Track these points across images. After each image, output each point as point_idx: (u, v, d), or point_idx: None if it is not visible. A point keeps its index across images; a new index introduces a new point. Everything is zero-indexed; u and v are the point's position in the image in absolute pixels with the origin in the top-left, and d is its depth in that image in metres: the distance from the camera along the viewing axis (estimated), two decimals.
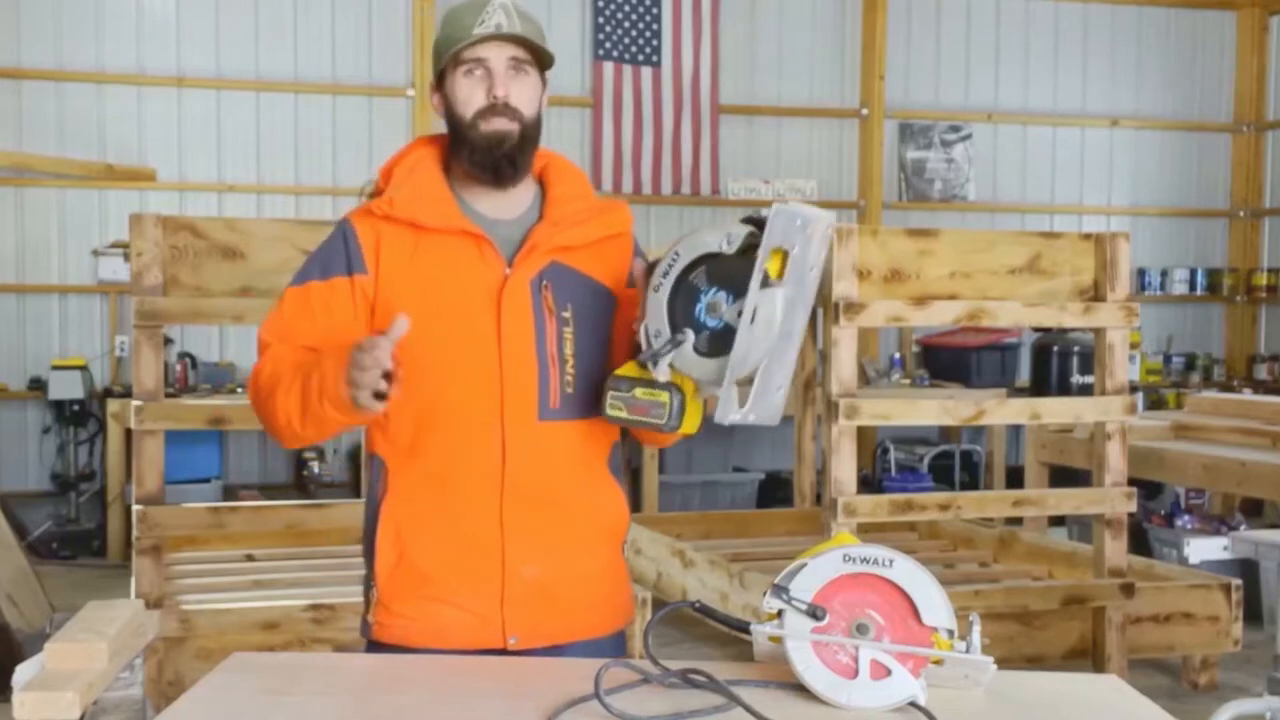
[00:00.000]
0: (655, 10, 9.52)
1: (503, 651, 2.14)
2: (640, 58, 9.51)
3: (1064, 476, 6.78)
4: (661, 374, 2.01)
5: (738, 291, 1.93)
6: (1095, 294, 4.94)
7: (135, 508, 4.30)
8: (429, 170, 2.23)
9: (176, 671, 4.24)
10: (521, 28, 2.15)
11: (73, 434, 8.39)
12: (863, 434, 8.33)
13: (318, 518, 5.06)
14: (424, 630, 2.16)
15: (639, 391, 2.03)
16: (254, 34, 8.90)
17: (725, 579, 5.56)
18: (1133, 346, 6.87)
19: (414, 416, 2.17)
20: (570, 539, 2.19)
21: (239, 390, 8.03)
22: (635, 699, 1.78)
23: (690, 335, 1.98)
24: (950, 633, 1.80)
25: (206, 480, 8.16)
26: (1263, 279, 10.84)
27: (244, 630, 4.32)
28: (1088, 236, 5.03)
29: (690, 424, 2.03)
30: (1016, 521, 6.96)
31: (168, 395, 5.13)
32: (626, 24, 9.47)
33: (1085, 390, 7.39)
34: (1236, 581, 5.36)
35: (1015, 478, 8.38)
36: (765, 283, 1.90)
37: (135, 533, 4.30)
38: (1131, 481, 5.04)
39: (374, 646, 2.22)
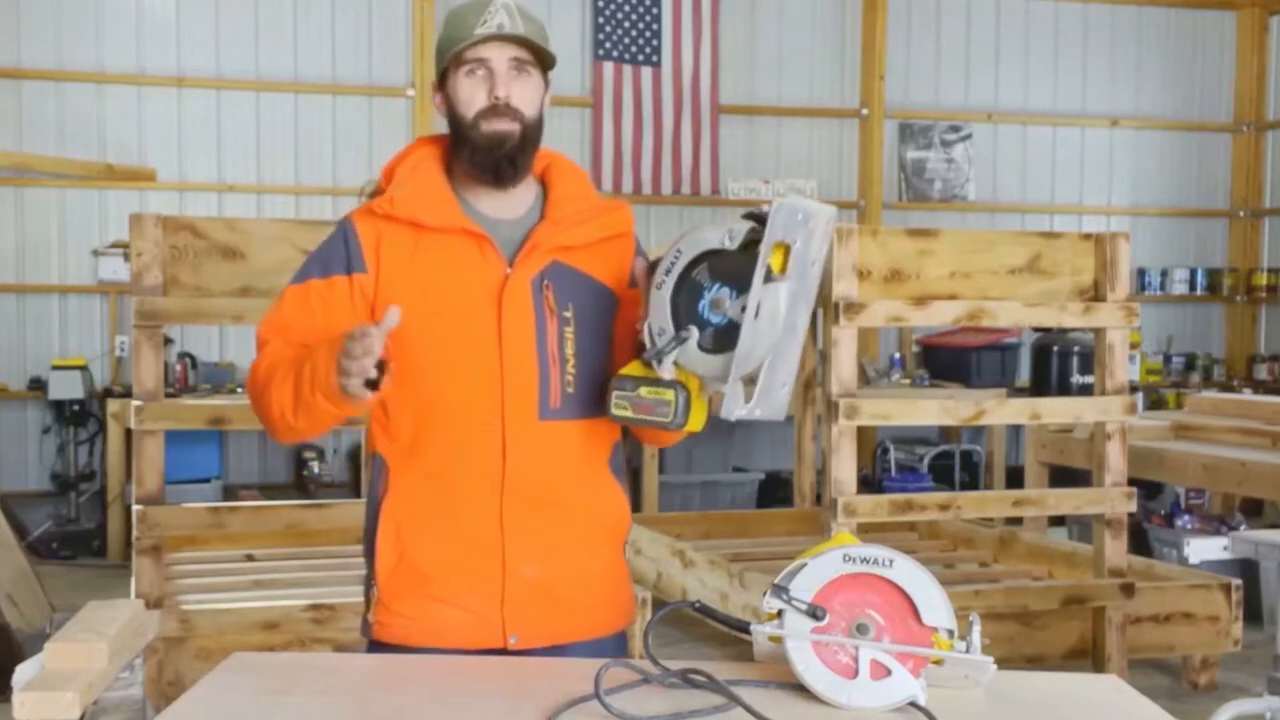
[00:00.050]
0: (655, 10, 9.52)
1: (503, 651, 2.14)
2: (640, 58, 9.51)
3: (1064, 476, 6.78)
4: (666, 372, 2.00)
5: (741, 287, 1.93)
6: (1095, 294, 4.94)
7: (135, 508, 4.30)
8: (431, 170, 2.23)
9: (176, 671, 4.24)
10: (524, 28, 2.15)
11: (73, 434, 8.39)
12: (863, 434, 8.33)
13: (318, 518, 5.06)
14: (424, 630, 2.16)
15: (644, 390, 2.02)
16: (254, 34, 8.90)
17: (725, 579, 5.56)
18: (1133, 346, 6.87)
19: (414, 416, 2.17)
20: (571, 539, 2.19)
21: (239, 390, 8.02)
22: (635, 699, 1.78)
23: (694, 332, 1.98)
24: (950, 633, 1.80)
25: (206, 480, 8.16)
26: (1263, 279, 10.84)
27: (244, 630, 4.32)
28: (1088, 236, 5.03)
29: (695, 421, 2.03)
30: (1016, 521, 6.96)
31: (168, 395, 5.13)
32: (626, 24, 9.47)
33: (1085, 390, 7.38)
34: (1236, 581, 5.36)
35: (1015, 478, 8.38)
36: (768, 277, 1.90)
37: (135, 533, 4.30)
38: (1131, 481, 5.04)
39: (374, 646, 2.22)
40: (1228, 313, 11.00)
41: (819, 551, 1.85)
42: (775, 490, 9.03)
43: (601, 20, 9.43)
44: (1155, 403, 10.07)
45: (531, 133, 2.18)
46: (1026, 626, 5.02)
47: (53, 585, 6.21)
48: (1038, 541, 6.26)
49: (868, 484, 8.94)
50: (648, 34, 9.51)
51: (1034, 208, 10.50)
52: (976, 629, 1.81)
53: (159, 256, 4.24)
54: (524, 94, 2.17)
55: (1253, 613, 5.65)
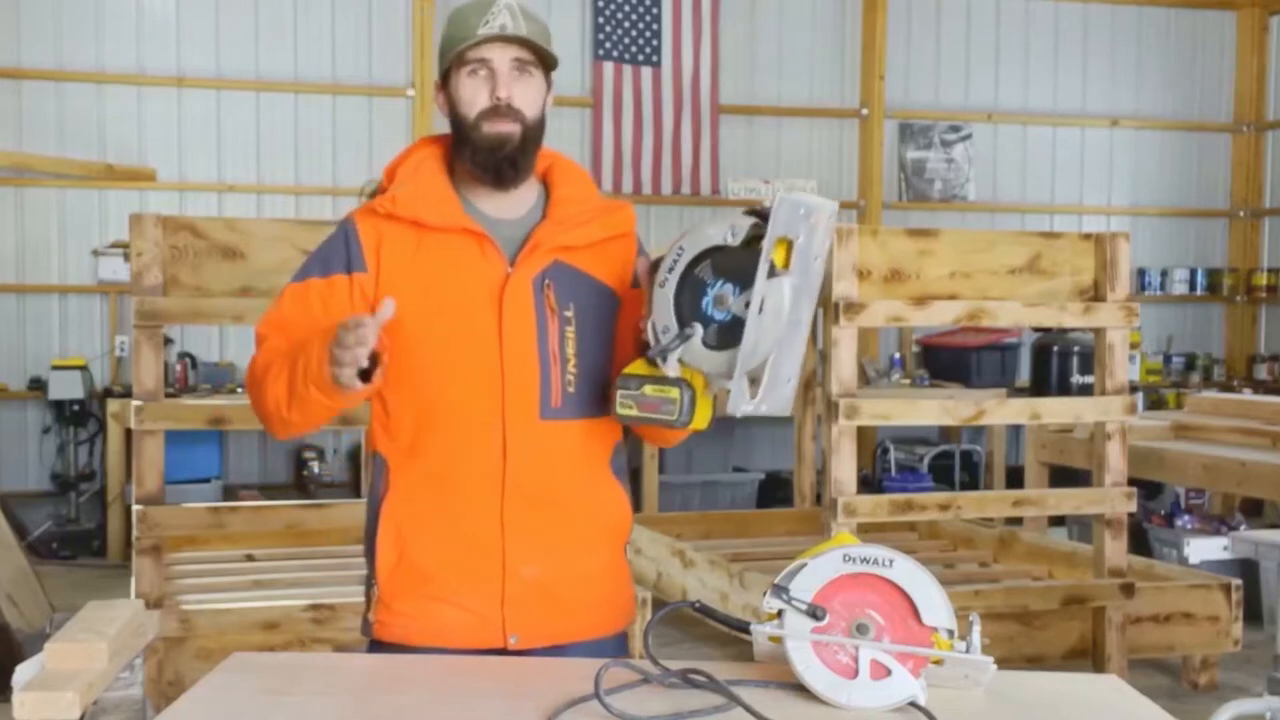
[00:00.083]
0: (655, 10, 9.52)
1: (503, 651, 2.14)
2: (640, 58, 9.51)
3: (1064, 476, 6.78)
4: (671, 369, 2.00)
5: (744, 283, 1.93)
6: (1095, 294, 4.94)
7: (135, 508, 4.30)
8: (432, 170, 2.23)
9: (176, 671, 4.24)
10: (526, 29, 2.14)
11: (73, 434, 8.39)
12: (863, 434, 8.33)
13: (318, 518, 5.05)
14: (424, 629, 2.16)
15: (648, 389, 2.02)
16: (254, 34, 8.90)
17: (725, 579, 5.56)
18: (1133, 346, 6.86)
19: (415, 415, 2.17)
20: (571, 539, 2.19)
21: (239, 390, 8.01)
22: (635, 699, 1.78)
23: (698, 329, 1.97)
24: (950, 633, 1.80)
25: (206, 480, 8.16)
26: (1263, 279, 10.84)
27: (244, 630, 4.32)
28: (1088, 236, 5.03)
29: (701, 419, 2.02)
30: (1016, 521, 6.96)
31: (168, 395, 5.13)
32: (626, 24, 9.47)
33: (1085, 390, 7.38)
34: (1236, 581, 5.36)
35: (1015, 478, 8.38)
36: (772, 273, 1.89)
37: (135, 533, 4.30)
38: (1131, 481, 5.04)
39: (375, 645, 2.22)
40: (1228, 313, 11.00)
41: (819, 551, 1.85)
42: (775, 490, 9.03)
43: (601, 20, 9.43)
44: (1155, 403, 10.07)
45: (533, 134, 2.18)
46: (1026, 626, 5.02)
47: (53, 585, 6.21)
48: (1038, 541, 6.26)
49: (868, 484, 8.94)
50: (648, 34, 9.51)
51: (1034, 208, 10.50)
52: (976, 629, 1.81)
53: (159, 256, 4.24)
54: (526, 95, 2.16)
55: (1253, 613, 5.65)
